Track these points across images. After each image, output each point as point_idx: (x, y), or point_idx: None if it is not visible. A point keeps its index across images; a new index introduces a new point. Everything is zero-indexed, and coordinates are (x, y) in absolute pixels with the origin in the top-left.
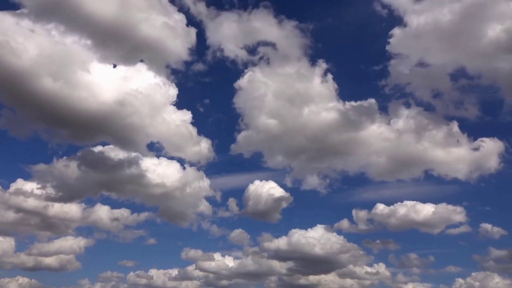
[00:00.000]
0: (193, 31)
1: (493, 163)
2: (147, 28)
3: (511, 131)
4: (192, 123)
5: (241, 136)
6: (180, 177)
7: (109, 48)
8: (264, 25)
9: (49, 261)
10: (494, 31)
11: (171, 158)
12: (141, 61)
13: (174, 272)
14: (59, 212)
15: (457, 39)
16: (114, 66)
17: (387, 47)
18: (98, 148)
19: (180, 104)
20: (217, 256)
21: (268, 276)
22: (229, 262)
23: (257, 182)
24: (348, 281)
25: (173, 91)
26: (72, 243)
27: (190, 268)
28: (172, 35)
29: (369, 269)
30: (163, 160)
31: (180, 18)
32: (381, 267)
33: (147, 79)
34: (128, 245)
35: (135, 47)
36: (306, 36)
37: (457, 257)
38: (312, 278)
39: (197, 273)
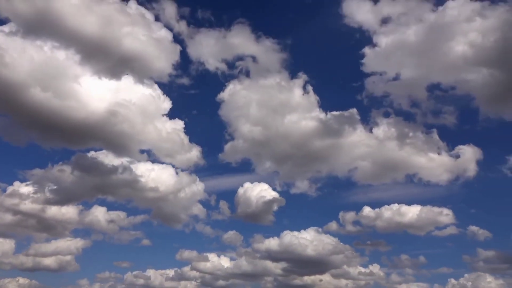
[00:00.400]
0: (176, 47)
1: (472, 168)
2: (134, 43)
3: (488, 138)
4: (185, 132)
5: (228, 146)
6: (174, 181)
7: (98, 61)
8: (243, 41)
9: (48, 262)
10: (460, 46)
11: (163, 163)
12: (127, 74)
13: (171, 272)
14: (57, 215)
15: (427, 55)
16: (105, 78)
17: (362, 68)
18: (92, 154)
19: (171, 114)
20: (212, 257)
21: (263, 276)
22: (224, 262)
23: (249, 185)
24: (343, 281)
25: (166, 102)
26: (69, 244)
27: (186, 268)
28: (158, 50)
29: (363, 270)
30: (157, 165)
31: (164, 34)
32: (375, 268)
33: (140, 90)
34: (124, 246)
35: (122, 61)
36: (283, 51)
37: (447, 258)
38: (307, 279)
39: (194, 273)
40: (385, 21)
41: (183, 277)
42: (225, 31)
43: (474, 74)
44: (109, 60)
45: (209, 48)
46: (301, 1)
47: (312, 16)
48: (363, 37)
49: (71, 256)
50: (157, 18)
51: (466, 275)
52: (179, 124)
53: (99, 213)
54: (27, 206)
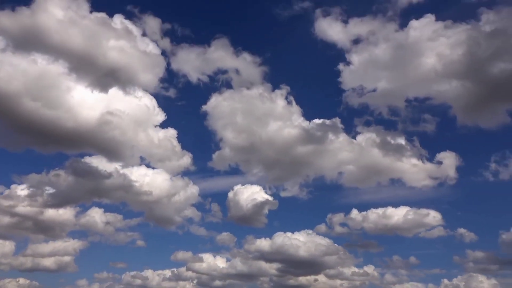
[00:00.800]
0: (162, 60)
1: (452, 173)
2: (121, 56)
3: (466, 145)
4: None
5: (217, 154)
6: (168, 185)
7: (88, 74)
8: (223, 55)
9: (46, 263)
10: (429, 60)
11: (157, 168)
12: (117, 85)
13: (167, 273)
14: (54, 217)
15: (399, 70)
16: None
17: (340, 83)
18: (88, 159)
19: (163, 124)
20: (207, 257)
21: (259, 276)
22: (220, 263)
23: (241, 188)
24: (338, 282)
25: (159, 112)
26: (67, 245)
27: (182, 269)
28: (144, 63)
29: (357, 270)
30: (151, 170)
31: (150, 48)
32: (369, 268)
33: (133, 101)
34: (120, 247)
35: (111, 73)
36: (263, 65)
37: (437, 259)
38: (302, 279)
39: (190, 274)
40: (356, 40)
41: (179, 278)
42: (206, 46)
43: (447, 86)
44: (99, 72)
45: (191, 62)
46: (276, 19)
47: (288, 33)
48: (338, 54)
49: (68, 257)
50: (141, 33)
51: (459, 276)
52: (172, 132)
53: (95, 215)
54: (25, 209)
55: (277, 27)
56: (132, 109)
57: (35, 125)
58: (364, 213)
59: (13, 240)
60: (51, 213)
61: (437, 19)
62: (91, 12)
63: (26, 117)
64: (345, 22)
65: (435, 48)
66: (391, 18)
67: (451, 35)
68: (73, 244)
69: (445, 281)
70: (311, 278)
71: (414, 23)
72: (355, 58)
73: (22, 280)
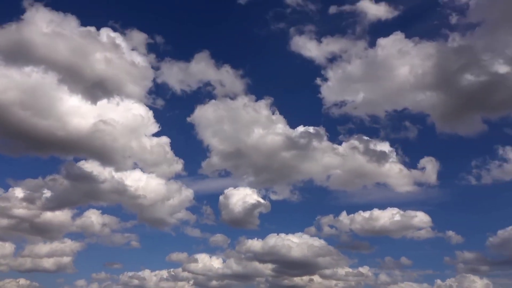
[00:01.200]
0: (148, 73)
1: (434, 178)
2: (110, 68)
3: (447, 151)
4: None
5: (206, 162)
6: (162, 188)
7: (79, 84)
8: (205, 68)
9: (44, 264)
10: (402, 73)
11: (152, 173)
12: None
13: (164, 273)
14: (51, 219)
15: (376, 84)
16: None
17: (320, 98)
18: (83, 164)
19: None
20: (202, 258)
21: (255, 277)
22: (215, 264)
23: (233, 191)
24: (333, 282)
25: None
26: (64, 247)
27: (178, 270)
28: (132, 75)
29: (351, 270)
30: (146, 175)
31: (137, 61)
32: (364, 269)
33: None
34: (117, 249)
35: (100, 84)
36: (244, 78)
37: (429, 260)
38: (298, 279)
39: (186, 274)
40: (330, 57)
41: (176, 278)
42: (189, 59)
43: (422, 96)
44: (89, 83)
45: (176, 75)
46: (254, 36)
47: (266, 49)
48: (315, 69)
49: (66, 258)
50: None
51: (452, 277)
52: (165, 140)
53: (92, 218)
54: (23, 211)
55: (256, 44)
56: (125, 118)
57: (28, 132)
58: (352, 215)
59: (12, 241)
60: (48, 216)
61: (405, 36)
62: (79, 26)
63: (18, 125)
64: (319, 40)
65: (406, 62)
66: (361, 36)
67: (420, 50)
68: (70, 246)
69: (439, 281)
70: (306, 278)
71: (383, 40)
72: (331, 74)
73: (22, 281)
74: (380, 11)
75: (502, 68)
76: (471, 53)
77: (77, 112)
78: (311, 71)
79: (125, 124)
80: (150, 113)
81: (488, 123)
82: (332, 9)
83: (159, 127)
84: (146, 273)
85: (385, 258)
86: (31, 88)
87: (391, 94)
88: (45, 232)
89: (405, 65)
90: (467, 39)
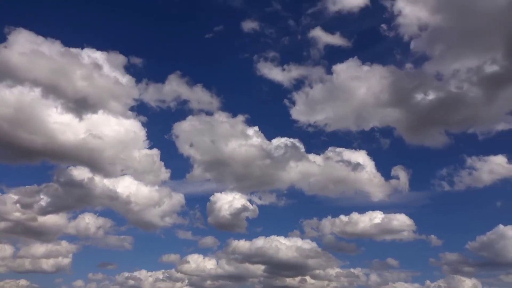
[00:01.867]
0: (128, 91)
1: (406, 185)
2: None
3: (416, 160)
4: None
5: (191, 173)
6: (152, 194)
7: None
8: (179, 88)
9: (43, 265)
10: (362, 92)
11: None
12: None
13: (159, 274)
14: (47, 222)
15: (340, 104)
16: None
17: (292, 118)
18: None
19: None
20: (195, 259)
21: (248, 278)
22: (208, 265)
23: (221, 196)
24: (325, 283)
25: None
26: (60, 249)
27: (172, 271)
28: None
29: (341, 271)
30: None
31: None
32: (355, 270)
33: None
34: (111, 251)
35: (82, 101)
36: (218, 96)
37: (415, 261)
38: (290, 280)
39: (179, 275)
40: (295, 82)
41: (170, 279)
42: (165, 79)
43: (385, 112)
44: (75, 100)
45: (153, 94)
46: (223, 59)
47: (236, 73)
48: (283, 92)
49: (62, 260)
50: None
51: (439, 277)
52: (155, 152)
53: (87, 221)
54: (19, 215)
55: (225, 67)
56: (115, 131)
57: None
58: (336, 219)
59: (10, 244)
60: (44, 219)
61: (360, 61)
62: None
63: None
64: (282, 67)
65: (363, 84)
66: (319, 62)
67: (375, 73)
68: (66, 248)
69: (428, 282)
70: (297, 279)
71: (339, 66)
72: (297, 97)
73: (22, 282)
74: (333, 39)
75: (453, 88)
76: (422, 75)
77: (66, 126)
78: (279, 93)
79: (115, 137)
80: (140, 126)
81: (451, 136)
82: (288, 38)
83: (147, 139)
84: (141, 273)
85: (373, 260)
86: (19, 104)
87: (356, 112)
88: (42, 235)
89: (363, 86)
90: (417, 60)
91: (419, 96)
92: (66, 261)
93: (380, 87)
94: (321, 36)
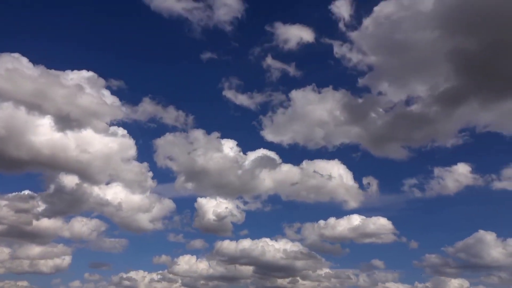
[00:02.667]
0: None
1: (376, 193)
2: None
3: (385, 171)
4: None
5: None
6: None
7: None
8: (154, 109)
9: (40, 267)
10: (321, 115)
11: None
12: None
13: (153, 276)
14: (44, 226)
15: (304, 125)
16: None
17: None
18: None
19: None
20: (187, 261)
21: (239, 279)
22: (200, 266)
23: (208, 201)
24: (315, 283)
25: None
26: (57, 250)
27: (164, 272)
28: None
29: (331, 272)
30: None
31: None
32: (344, 271)
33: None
34: (105, 254)
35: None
36: (191, 115)
37: (398, 262)
38: (281, 281)
39: (173, 276)
40: (260, 108)
41: (165, 279)
42: (140, 99)
43: (347, 129)
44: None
45: (130, 114)
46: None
47: (205, 96)
48: (252, 115)
49: (60, 261)
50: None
51: (426, 278)
52: (145, 165)
53: (81, 225)
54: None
55: (194, 89)
56: (108, 146)
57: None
58: (317, 223)
59: (8, 246)
60: (40, 223)
61: (316, 86)
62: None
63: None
64: (246, 93)
65: (321, 107)
66: (279, 88)
67: (331, 96)
68: (62, 250)
69: (416, 283)
70: (287, 280)
71: (296, 92)
72: (265, 120)
73: (20, 283)
74: (290, 69)
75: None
76: (372, 98)
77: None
78: (247, 116)
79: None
80: (128, 140)
81: (412, 150)
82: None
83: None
84: (137, 274)
85: (360, 262)
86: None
87: (321, 130)
88: (38, 237)
89: (320, 109)
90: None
91: (371, 115)
92: (62, 262)
93: (336, 109)
94: (277, 66)
